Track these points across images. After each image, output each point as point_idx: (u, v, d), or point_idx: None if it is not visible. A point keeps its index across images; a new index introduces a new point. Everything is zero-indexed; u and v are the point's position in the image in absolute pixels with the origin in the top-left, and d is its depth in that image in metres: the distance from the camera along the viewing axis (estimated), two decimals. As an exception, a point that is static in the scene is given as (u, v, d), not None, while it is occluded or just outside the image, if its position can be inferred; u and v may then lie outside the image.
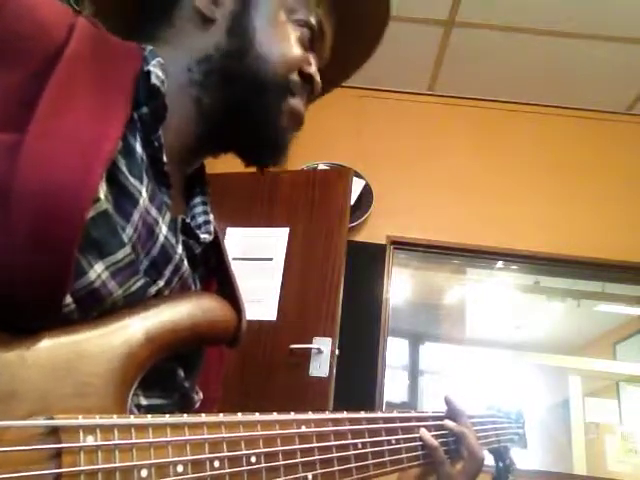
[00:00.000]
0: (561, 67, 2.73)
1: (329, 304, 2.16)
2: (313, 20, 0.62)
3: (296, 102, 0.61)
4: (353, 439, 0.57)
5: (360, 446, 0.57)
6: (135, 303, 0.46)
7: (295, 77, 0.61)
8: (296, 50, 0.61)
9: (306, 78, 0.62)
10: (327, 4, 0.65)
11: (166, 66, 0.55)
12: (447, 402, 0.76)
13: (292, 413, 0.50)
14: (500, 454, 0.90)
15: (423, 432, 0.68)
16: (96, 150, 0.41)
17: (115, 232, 0.44)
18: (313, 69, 0.63)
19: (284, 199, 2.43)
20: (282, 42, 0.60)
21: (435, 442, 0.68)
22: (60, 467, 0.35)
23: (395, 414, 0.66)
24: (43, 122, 0.39)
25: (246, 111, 0.59)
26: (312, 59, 0.63)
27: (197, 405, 0.60)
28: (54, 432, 0.36)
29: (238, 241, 2.35)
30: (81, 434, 0.36)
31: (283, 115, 0.60)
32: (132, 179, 0.47)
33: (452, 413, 0.75)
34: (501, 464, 0.90)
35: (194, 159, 0.64)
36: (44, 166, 0.38)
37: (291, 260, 2.29)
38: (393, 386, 2.84)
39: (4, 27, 0.42)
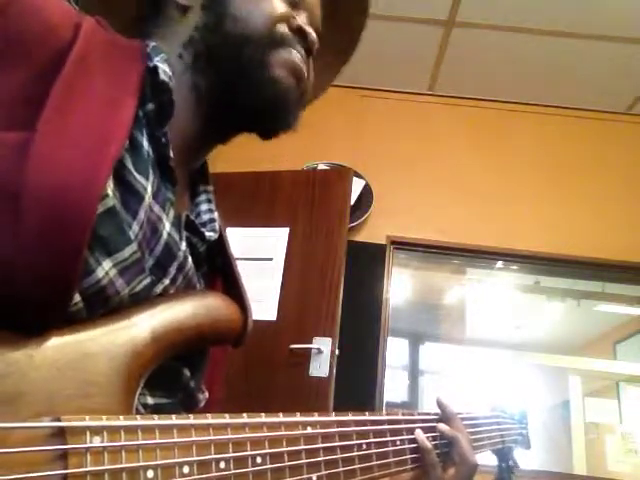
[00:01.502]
0: (561, 67, 2.73)
1: (329, 304, 2.15)
2: None
3: (286, 53, 0.59)
4: (358, 440, 0.56)
5: (365, 447, 0.57)
6: (141, 302, 0.46)
7: (282, 29, 0.59)
8: (278, 5, 0.59)
9: (296, 31, 0.60)
10: None
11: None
12: (439, 405, 0.74)
13: (298, 414, 0.50)
14: (503, 455, 0.90)
15: (418, 433, 0.67)
16: (104, 148, 0.41)
17: (122, 229, 0.44)
18: (302, 20, 0.61)
19: (284, 199, 2.43)
20: (261, 1, 0.58)
21: (429, 444, 0.67)
22: (66, 468, 0.35)
23: (399, 416, 0.65)
24: (51, 121, 0.39)
25: (239, 76, 0.57)
26: (301, 14, 0.62)
27: (202, 404, 0.60)
28: (60, 433, 0.36)
29: (238, 241, 2.35)
30: (87, 435, 0.36)
31: (274, 67, 0.57)
32: (138, 176, 0.47)
33: (444, 416, 0.73)
34: (504, 465, 0.90)
35: (201, 152, 0.63)
36: (53, 165, 0.38)
37: (291, 260, 2.29)
38: (393, 386, 2.84)
39: (11, 27, 0.42)
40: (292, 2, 0.61)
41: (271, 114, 0.59)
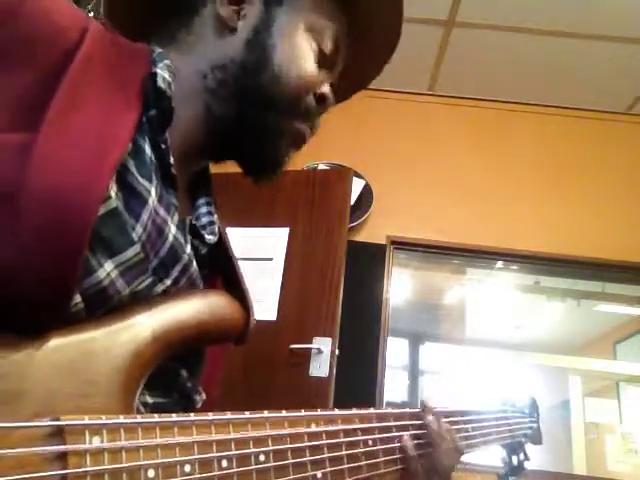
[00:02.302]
0: (561, 67, 2.73)
1: (329, 304, 2.15)
2: (331, 41, 0.62)
3: (303, 127, 0.62)
4: (363, 436, 0.56)
5: (370, 443, 0.56)
6: (141, 301, 0.46)
7: (309, 100, 0.61)
8: (312, 72, 0.60)
9: (319, 99, 0.62)
10: (343, 20, 0.64)
11: (178, 69, 0.56)
12: (423, 408, 0.69)
13: (302, 411, 0.50)
14: (514, 449, 0.89)
15: (406, 440, 0.63)
16: (106, 151, 0.41)
17: (124, 231, 0.44)
18: (326, 88, 0.63)
19: (284, 199, 2.42)
20: (299, 63, 0.59)
21: (415, 453, 0.63)
22: (66, 468, 0.35)
23: (406, 410, 0.64)
24: (54, 123, 0.39)
25: (253, 126, 0.59)
26: (327, 78, 0.63)
27: (199, 405, 0.59)
28: (60, 433, 0.35)
29: (238, 241, 2.34)
30: (87, 435, 0.36)
31: (288, 136, 0.61)
32: (141, 180, 0.47)
33: (426, 420, 0.67)
34: (515, 459, 0.89)
35: (198, 161, 0.64)
36: (54, 166, 0.38)
37: (291, 260, 2.29)
38: (393, 386, 2.84)
39: (19, 29, 0.42)
40: (328, 67, 0.63)
41: (266, 172, 0.63)
